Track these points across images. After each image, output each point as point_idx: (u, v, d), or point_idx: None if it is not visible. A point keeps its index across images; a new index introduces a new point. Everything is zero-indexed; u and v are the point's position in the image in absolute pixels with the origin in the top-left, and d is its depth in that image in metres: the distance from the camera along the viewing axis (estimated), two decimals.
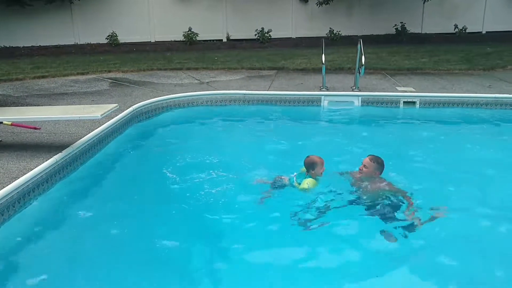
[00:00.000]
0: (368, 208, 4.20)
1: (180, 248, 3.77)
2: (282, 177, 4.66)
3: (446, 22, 15.23)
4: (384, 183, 4.43)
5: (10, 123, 5.29)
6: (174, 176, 5.07)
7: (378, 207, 4.17)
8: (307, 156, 4.61)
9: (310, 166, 4.53)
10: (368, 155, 4.55)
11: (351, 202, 4.30)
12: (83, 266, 3.53)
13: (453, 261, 3.53)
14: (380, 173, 4.50)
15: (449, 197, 4.52)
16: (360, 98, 7.72)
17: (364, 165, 4.49)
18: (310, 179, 4.48)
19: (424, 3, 14.45)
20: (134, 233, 3.97)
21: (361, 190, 4.45)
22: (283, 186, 4.58)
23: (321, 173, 4.54)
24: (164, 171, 5.22)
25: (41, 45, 13.84)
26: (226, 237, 3.96)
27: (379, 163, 4.49)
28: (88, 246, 3.78)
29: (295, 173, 4.65)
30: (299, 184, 4.49)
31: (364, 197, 4.36)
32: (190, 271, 3.50)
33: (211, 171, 5.10)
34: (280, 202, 4.38)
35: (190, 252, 3.71)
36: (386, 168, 4.56)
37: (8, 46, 13.53)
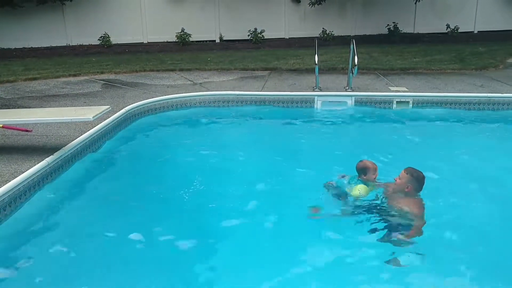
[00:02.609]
0: (390, 223, 3.97)
1: (177, 251, 3.74)
2: (331, 182, 4.45)
3: (438, 22, 15.32)
4: (417, 205, 4.01)
5: (1, 125, 5.24)
6: (168, 177, 5.05)
7: (388, 224, 3.93)
8: (360, 160, 4.43)
9: (362, 171, 4.34)
10: (407, 167, 4.12)
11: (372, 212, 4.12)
12: (76, 268, 3.50)
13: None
14: (414, 188, 4.05)
15: (442, 196, 4.52)
16: (353, 98, 7.73)
17: (399, 177, 4.12)
18: (362, 185, 4.27)
19: (416, 3, 14.51)
20: (127, 234, 3.94)
21: (389, 201, 4.16)
22: (337, 191, 4.35)
23: (374, 179, 4.34)
24: (157, 172, 5.20)
25: (33, 46, 13.76)
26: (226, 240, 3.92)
27: (413, 176, 4.03)
28: (80, 248, 3.74)
29: (344, 175, 4.46)
30: (351, 189, 4.32)
31: (391, 210, 4.08)
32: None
33: (204, 172, 5.08)
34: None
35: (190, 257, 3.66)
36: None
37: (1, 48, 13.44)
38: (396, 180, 4.13)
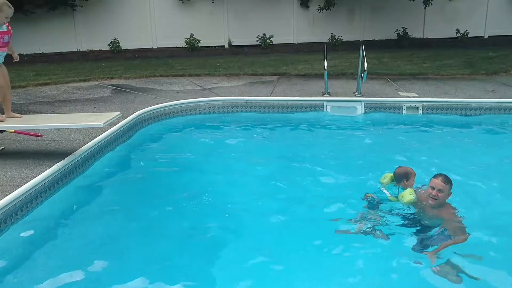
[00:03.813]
0: (424, 230, 3.90)
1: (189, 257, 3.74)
2: (370, 195, 4.32)
3: (447, 27, 15.24)
4: (453, 211, 3.96)
5: (13, 130, 5.30)
6: (178, 182, 5.06)
7: (435, 233, 3.81)
8: (399, 167, 4.37)
9: (404, 176, 4.22)
10: (438, 176, 3.93)
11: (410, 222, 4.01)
12: (86, 271, 3.49)
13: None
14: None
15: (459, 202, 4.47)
16: (362, 103, 7.71)
17: (439, 190, 3.86)
18: (410, 189, 4.14)
19: (425, 8, 14.47)
20: (138, 239, 3.96)
21: (422, 210, 4.04)
22: (377, 205, 4.22)
23: (412, 185, 4.23)
24: (167, 177, 5.21)
25: (44, 52, 13.90)
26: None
27: (451, 182, 3.90)
28: (91, 252, 3.76)
29: (382, 187, 4.35)
30: (396, 197, 4.18)
31: (423, 218, 4.00)
32: None
33: (214, 177, 5.08)
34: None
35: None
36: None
37: (10, 54, 13.56)
38: (435, 196, 3.87)
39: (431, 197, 3.91)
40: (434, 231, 3.85)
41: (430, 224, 3.94)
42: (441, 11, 15.18)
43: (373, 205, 4.19)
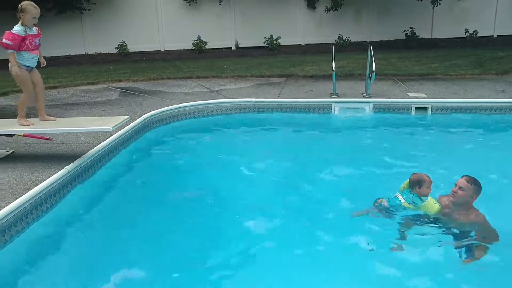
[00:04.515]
0: (455, 237, 3.80)
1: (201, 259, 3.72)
2: (380, 200, 4.22)
3: (456, 27, 15.12)
4: (480, 214, 3.87)
5: (22, 134, 5.34)
6: (187, 185, 5.07)
7: (465, 239, 3.74)
8: (414, 173, 4.20)
9: (417, 183, 4.06)
10: (464, 176, 3.91)
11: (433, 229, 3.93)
12: (96, 274, 3.51)
13: None
14: (476, 198, 3.90)
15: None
16: (371, 104, 7.67)
17: (460, 187, 3.84)
18: (431, 198, 4.04)
19: (433, 8, 14.38)
20: (147, 241, 3.96)
21: (448, 217, 3.94)
22: (385, 210, 4.13)
23: (428, 194, 4.07)
24: (175, 179, 5.22)
25: (52, 55, 13.98)
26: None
27: (477, 186, 3.85)
28: (99, 255, 3.77)
29: (398, 193, 4.20)
30: (414, 205, 4.05)
31: (452, 225, 3.88)
32: None
33: (223, 180, 5.07)
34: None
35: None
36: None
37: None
38: (455, 192, 3.86)
39: (451, 194, 3.91)
40: (465, 237, 3.78)
41: (460, 229, 3.85)
42: (449, 11, 15.07)
43: (384, 211, 4.11)
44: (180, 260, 3.71)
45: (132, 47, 14.58)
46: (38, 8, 4.84)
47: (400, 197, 4.14)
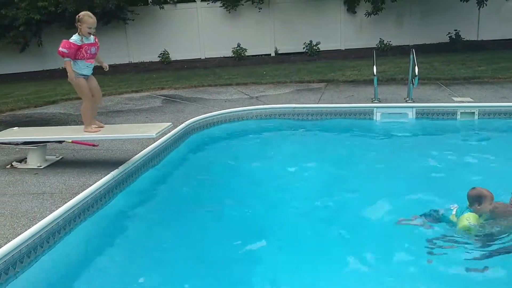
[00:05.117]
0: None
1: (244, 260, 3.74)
2: (438, 210, 4.04)
3: (504, 28, 14.53)
4: None
5: (70, 140, 5.57)
6: (229, 189, 5.11)
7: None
8: (473, 188, 3.88)
9: (476, 200, 3.77)
10: None
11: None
12: (134, 275, 3.59)
13: None
14: None
15: None
16: (414, 109, 7.46)
17: None
18: (472, 213, 3.77)
19: (479, 8, 13.89)
20: (191, 246, 4.01)
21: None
22: (437, 220, 3.97)
23: (489, 210, 3.80)
24: (217, 184, 5.27)
25: (98, 64, 14.49)
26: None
27: None
28: (144, 258, 3.86)
29: (455, 205, 3.99)
30: (458, 219, 3.84)
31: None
32: None
33: (263, 185, 5.08)
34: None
35: None
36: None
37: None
38: None
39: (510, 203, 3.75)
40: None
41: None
42: (497, 11, 14.51)
43: (433, 220, 3.95)
44: (221, 263, 3.75)
45: (173, 56, 14.92)
46: (95, 18, 5.02)
47: (454, 210, 3.90)
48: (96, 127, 5.30)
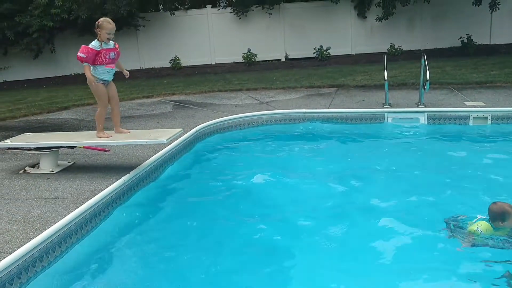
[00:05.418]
0: None
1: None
2: (460, 216, 3.94)
3: None
4: None
5: (82, 146, 5.62)
6: (238, 194, 5.10)
7: None
8: (494, 203, 3.70)
9: (499, 217, 3.60)
10: None
11: None
12: (149, 281, 3.61)
13: None
14: None
15: None
16: (426, 114, 7.41)
17: None
18: (484, 222, 3.68)
19: (491, 12, 13.78)
20: (200, 252, 4.00)
21: None
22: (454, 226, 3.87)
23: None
24: (227, 190, 5.26)
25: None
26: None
27: None
28: (156, 262, 3.86)
29: (479, 216, 3.83)
30: (472, 223, 3.77)
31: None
32: None
33: (274, 190, 5.06)
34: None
35: None
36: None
37: (80, 73, 14.42)
38: None
39: None
40: None
41: None
42: (509, 15, 14.39)
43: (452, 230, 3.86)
44: (233, 271, 3.74)
45: (184, 61, 15.01)
46: (113, 24, 5.08)
47: (475, 220, 3.76)
48: (108, 134, 5.34)
